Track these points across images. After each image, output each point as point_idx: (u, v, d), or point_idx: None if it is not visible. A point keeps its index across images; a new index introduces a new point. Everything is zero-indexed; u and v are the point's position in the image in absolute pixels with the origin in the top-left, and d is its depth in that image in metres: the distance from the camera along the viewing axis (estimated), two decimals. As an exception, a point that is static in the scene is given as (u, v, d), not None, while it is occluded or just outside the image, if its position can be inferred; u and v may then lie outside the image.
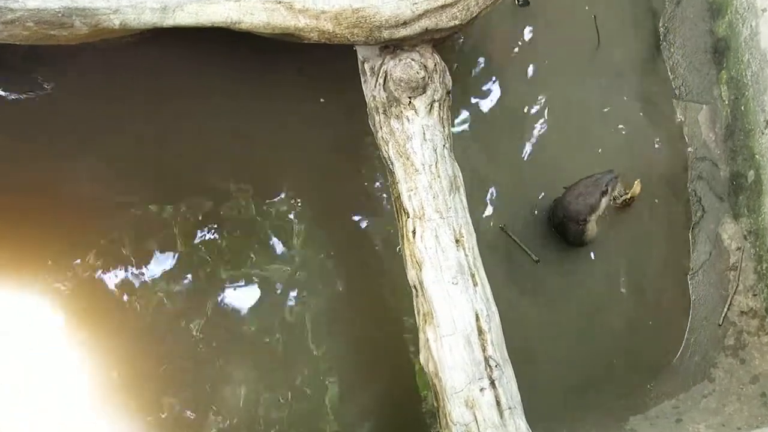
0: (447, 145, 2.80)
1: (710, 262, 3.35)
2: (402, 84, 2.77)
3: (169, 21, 2.83)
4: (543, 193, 3.35)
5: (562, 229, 3.21)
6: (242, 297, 3.09)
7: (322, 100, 3.31)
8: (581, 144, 3.41)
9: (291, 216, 3.20)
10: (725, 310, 3.28)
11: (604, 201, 3.12)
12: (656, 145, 3.51)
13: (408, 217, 2.67)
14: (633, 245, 3.35)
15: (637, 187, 3.22)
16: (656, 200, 3.43)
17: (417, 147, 2.74)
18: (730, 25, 3.38)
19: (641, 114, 3.53)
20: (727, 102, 3.41)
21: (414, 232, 2.64)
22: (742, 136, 3.33)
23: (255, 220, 3.20)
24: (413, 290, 2.63)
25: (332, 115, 3.27)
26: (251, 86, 3.25)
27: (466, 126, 3.36)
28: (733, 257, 3.32)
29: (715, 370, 3.16)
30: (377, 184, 3.28)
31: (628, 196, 3.26)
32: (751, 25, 3.23)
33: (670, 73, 3.56)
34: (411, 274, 2.64)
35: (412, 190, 2.69)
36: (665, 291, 3.33)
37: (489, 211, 3.30)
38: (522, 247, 3.23)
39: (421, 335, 2.59)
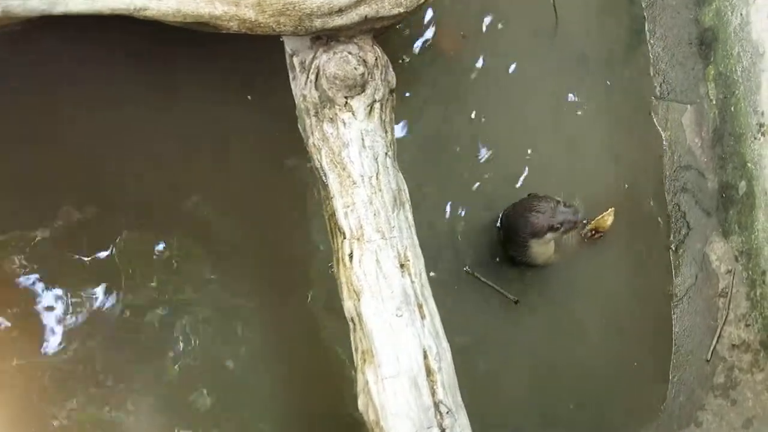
0: (390, 153, 2.63)
1: (696, 288, 3.20)
2: (337, 81, 2.61)
3: (60, 8, 2.56)
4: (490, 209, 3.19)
5: (506, 238, 3.05)
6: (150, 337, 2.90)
7: (249, 97, 3.12)
8: (541, 152, 3.26)
9: (206, 243, 3.01)
10: (714, 342, 3.12)
11: (550, 236, 2.92)
12: (632, 152, 3.32)
13: (344, 238, 2.49)
14: (608, 271, 3.21)
15: (608, 218, 3.04)
16: (633, 217, 3.26)
17: (354, 155, 2.57)
18: (718, 13, 3.24)
19: (615, 116, 3.34)
20: (714, 102, 3.27)
21: (351, 256, 2.47)
22: (732, 141, 3.18)
23: (158, 246, 2.99)
24: (350, 324, 2.46)
25: (259, 118, 3.08)
26: (161, 83, 3.05)
27: (411, 130, 3.18)
28: (723, 282, 3.18)
29: (702, 413, 3.02)
30: (310, 197, 3.07)
31: (591, 226, 3.09)
32: (741, 14, 3.10)
33: (651, 68, 3.40)
34: (348, 305, 2.47)
35: (348, 206, 2.52)
36: (646, 323, 3.20)
37: (433, 228, 3.14)
38: (495, 288, 3.08)
39: (359, 377, 2.41)
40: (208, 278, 2.96)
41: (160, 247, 2.98)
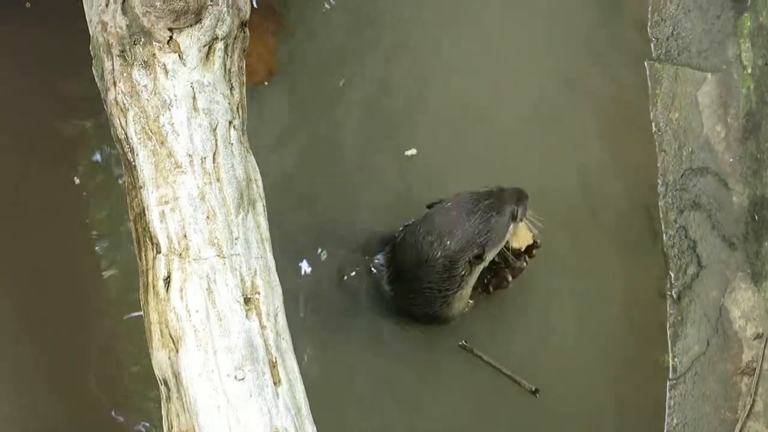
0: (236, 123, 2.28)
1: (707, 360, 2.81)
2: (157, 3, 2.26)
3: None
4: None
5: (413, 280, 2.65)
6: None
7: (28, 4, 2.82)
8: (472, 139, 2.90)
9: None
10: (731, 449, 2.68)
11: (512, 229, 2.61)
12: (610, 143, 3.00)
13: (158, 253, 2.13)
14: (563, 330, 2.77)
15: (528, 236, 2.66)
16: (610, 245, 2.89)
17: (180, 123, 2.21)
18: (765, -72, 2.98)
19: (584, 87, 3.01)
20: (750, 70, 2.96)
21: (168, 281, 2.09)
22: (776, 133, 2.86)
23: None
24: (162, 387, 2.10)
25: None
26: None
27: (278, 94, 2.88)
28: (749, 352, 2.77)
29: None
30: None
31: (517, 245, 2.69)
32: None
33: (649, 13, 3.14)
34: (158, 358, 2.11)
35: (167, 202, 2.14)
36: (624, 412, 2.74)
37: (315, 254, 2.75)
38: (509, 375, 2.66)
39: (173, 473, 2.12)
40: None
41: None
